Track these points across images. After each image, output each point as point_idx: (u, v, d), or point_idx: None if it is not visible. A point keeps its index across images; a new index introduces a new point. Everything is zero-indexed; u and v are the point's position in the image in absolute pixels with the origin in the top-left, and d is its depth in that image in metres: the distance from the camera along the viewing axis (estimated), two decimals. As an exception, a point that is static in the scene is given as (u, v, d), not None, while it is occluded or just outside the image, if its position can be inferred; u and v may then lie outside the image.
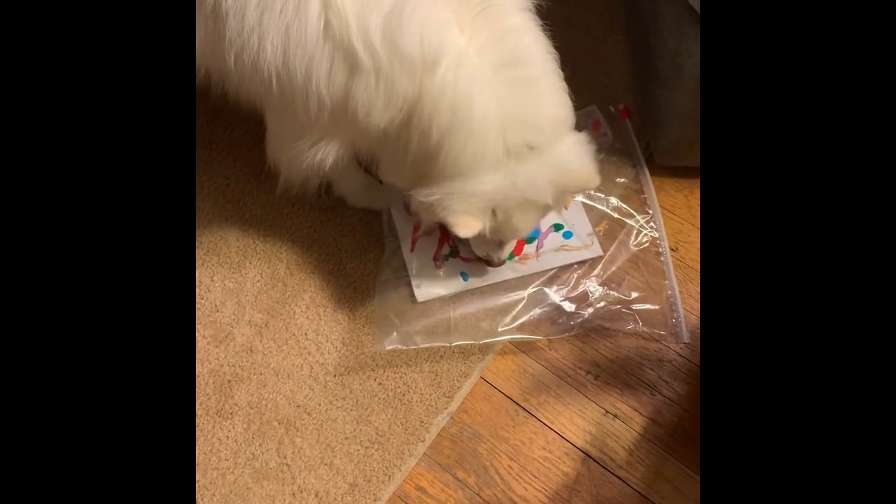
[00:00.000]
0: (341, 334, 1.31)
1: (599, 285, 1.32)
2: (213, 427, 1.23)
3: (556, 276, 1.34)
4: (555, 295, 1.31)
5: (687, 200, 1.43)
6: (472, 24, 1.02)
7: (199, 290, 1.33)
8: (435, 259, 1.35)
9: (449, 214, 1.09)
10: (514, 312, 1.30)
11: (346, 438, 1.23)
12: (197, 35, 1.10)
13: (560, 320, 1.30)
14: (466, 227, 1.09)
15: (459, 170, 1.06)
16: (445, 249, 1.36)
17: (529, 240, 1.37)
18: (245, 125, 1.42)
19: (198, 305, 1.32)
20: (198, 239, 1.38)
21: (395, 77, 1.00)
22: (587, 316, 1.30)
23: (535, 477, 1.21)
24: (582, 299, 1.31)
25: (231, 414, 1.24)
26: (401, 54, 0.99)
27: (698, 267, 1.35)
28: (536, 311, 1.30)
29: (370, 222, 1.39)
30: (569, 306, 1.30)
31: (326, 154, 1.14)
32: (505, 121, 1.03)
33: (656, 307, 1.31)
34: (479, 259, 1.31)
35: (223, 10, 1.03)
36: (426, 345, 1.26)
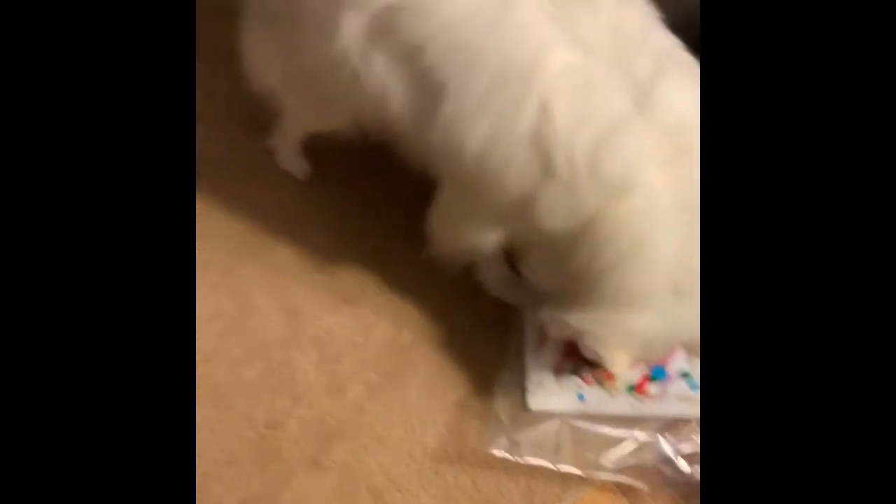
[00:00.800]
0: (447, 420, 1.31)
1: (716, 449, 1.28)
2: (305, 475, 1.24)
3: (672, 424, 1.31)
4: (669, 447, 1.27)
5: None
6: (669, 165, 1.04)
7: (327, 338, 1.36)
8: (556, 371, 1.34)
9: (603, 348, 1.09)
10: (624, 450, 1.27)
11: (429, 529, 1.22)
12: (395, 100, 1.13)
13: (668, 473, 1.26)
14: (621, 364, 1.10)
15: (620, 301, 1.08)
16: (567, 365, 1.35)
17: (654, 378, 1.35)
18: (413, 186, 1.45)
19: (321, 353, 1.34)
20: (337, 284, 1.41)
21: (586, 194, 1.03)
22: (697, 477, 1.26)
23: None
24: (695, 458, 1.27)
25: (326, 468, 1.25)
26: (599, 175, 1.02)
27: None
28: (647, 457, 1.26)
29: (505, 317, 1.39)
30: (682, 464, 1.26)
31: (489, 241, 1.16)
32: (678, 263, 1.05)
33: (769, 489, 1.26)
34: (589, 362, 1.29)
35: (447, 90, 1.06)
36: (532, 459, 1.25)
